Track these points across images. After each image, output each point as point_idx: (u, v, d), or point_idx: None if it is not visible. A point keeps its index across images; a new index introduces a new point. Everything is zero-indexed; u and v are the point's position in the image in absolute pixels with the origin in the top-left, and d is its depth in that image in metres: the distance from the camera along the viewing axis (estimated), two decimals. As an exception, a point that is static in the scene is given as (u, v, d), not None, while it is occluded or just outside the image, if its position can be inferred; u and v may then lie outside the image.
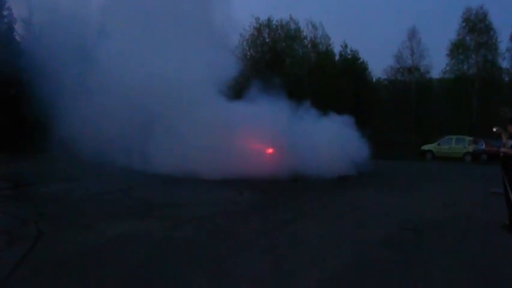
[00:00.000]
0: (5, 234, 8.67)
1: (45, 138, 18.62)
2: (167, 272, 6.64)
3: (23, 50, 19.87)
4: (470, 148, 34.48)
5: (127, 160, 18.96)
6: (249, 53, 52.18)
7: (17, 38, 30.09)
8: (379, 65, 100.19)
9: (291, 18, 52.82)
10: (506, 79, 49.45)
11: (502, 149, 9.24)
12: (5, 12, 34.56)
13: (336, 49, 54.92)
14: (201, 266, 6.96)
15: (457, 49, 48.63)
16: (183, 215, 11.11)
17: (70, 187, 15.42)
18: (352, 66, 52.64)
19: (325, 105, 21.46)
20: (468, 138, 35.66)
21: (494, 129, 9.95)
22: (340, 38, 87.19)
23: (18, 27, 30.93)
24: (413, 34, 51.63)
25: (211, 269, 6.79)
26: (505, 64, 48.11)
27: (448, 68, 49.56)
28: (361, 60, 54.73)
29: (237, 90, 20.93)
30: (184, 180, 16.51)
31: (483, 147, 33.43)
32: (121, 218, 10.60)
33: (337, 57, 54.94)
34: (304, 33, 53.27)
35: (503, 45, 47.66)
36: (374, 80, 57.92)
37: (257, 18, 52.12)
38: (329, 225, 10.03)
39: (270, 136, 18.49)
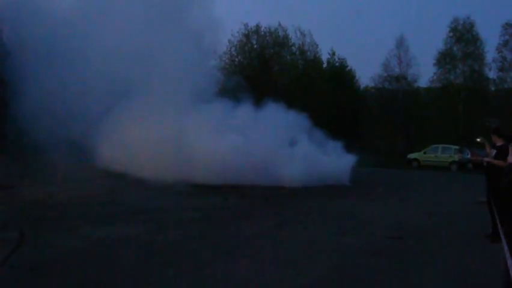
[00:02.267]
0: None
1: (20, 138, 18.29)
2: (151, 277, 6.59)
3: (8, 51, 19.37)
4: (456, 157, 34.72)
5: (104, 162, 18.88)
6: (237, 59, 52.23)
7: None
8: (367, 73, 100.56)
9: (279, 25, 52.97)
10: (493, 89, 49.80)
11: (485, 159, 9.31)
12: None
13: (324, 57, 55.19)
14: (185, 271, 6.92)
15: (444, 59, 48.90)
16: (167, 219, 11.10)
17: (53, 190, 15.32)
18: (340, 74, 52.82)
19: (312, 112, 21.29)
20: (454, 147, 35.88)
21: (478, 140, 10.04)
22: (328, 45, 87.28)
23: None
24: (400, 43, 51.82)
25: (195, 274, 6.75)
26: (491, 74, 48.43)
27: (435, 77, 49.82)
28: (349, 68, 55.00)
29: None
30: (168, 184, 16.40)
31: (468, 156, 33.78)
32: (104, 222, 10.54)
33: (325, 65, 55.17)
34: (293, 41, 53.46)
35: (489, 56, 47.98)
36: (362, 87, 58.15)
37: (245, 25, 52.23)
38: (313, 232, 10.03)
39: None
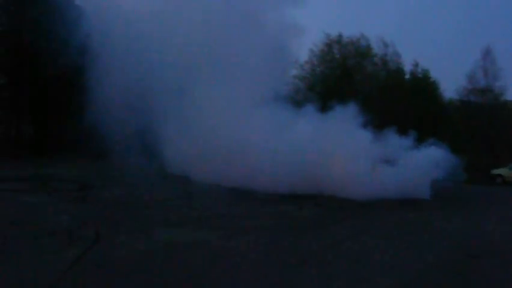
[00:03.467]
0: (66, 235, 8.97)
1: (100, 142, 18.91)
2: (218, 283, 6.67)
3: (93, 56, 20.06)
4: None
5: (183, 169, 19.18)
6: (318, 69, 52.02)
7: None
8: (452, 85, 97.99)
9: (361, 35, 52.36)
10: None
11: None
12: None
13: (407, 68, 54.07)
14: (251, 279, 6.95)
15: (534, 71, 46.90)
16: (240, 226, 11.19)
17: (132, 192, 15.79)
18: (423, 86, 51.59)
19: (394, 124, 20.76)
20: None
21: None
22: (411, 56, 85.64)
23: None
24: (487, 54, 50.00)
25: (261, 284, 6.77)
26: None
27: (524, 90, 47.82)
28: (432, 79, 53.57)
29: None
30: (243, 192, 16.54)
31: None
32: (178, 226, 10.78)
33: (407, 76, 54.04)
34: (375, 51, 52.69)
35: None
36: (446, 100, 56.49)
37: (327, 34, 51.95)
38: (386, 245, 9.86)
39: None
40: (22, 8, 29.01)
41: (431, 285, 7.11)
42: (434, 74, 53.91)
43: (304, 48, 47.61)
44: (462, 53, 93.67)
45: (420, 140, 20.58)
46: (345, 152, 17.66)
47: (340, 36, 52.37)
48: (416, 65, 53.42)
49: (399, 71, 53.46)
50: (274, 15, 21.42)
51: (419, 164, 18.66)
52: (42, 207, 12.56)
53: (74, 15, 20.59)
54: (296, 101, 20.75)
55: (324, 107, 20.45)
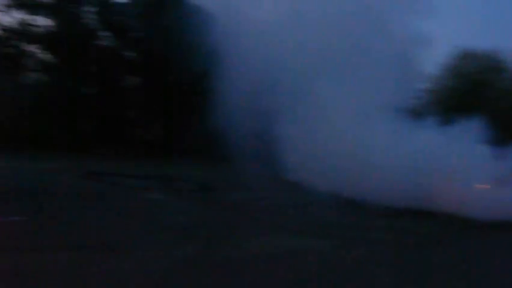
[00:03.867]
0: (179, 232, 9.22)
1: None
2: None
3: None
4: None
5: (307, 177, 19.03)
6: (447, 82, 50.30)
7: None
8: None
9: (495, 48, 49.95)
10: None
11: None
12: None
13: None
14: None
15: None
16: (355, 237, 10.98)
17: (250, 196, 15.94)
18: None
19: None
20: None
21: None
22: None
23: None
24: None
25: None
26: None
27: None
28: None
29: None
30: (357, 202, 16.15)
31: None
32: (292, 233, 10.80)
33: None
34: (509, 65, 50.02)
35: None
36: None
37: (458, 48, 50.09)
38: (507, 270, 9.14)
39: None
40: (154, 16, 30.40)
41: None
42: None
43: (434, 60, 46.10)
44: None
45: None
46: (466, 167, 16.70)
47: (472, 50, 50.38)
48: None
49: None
50: (403, 24, 20.83)
51: None
52: (162, 204, 13.05)
53: (203, 21, 21.09)
54: (420, 113, 19.95)
55: (449, 121, 19.57)
